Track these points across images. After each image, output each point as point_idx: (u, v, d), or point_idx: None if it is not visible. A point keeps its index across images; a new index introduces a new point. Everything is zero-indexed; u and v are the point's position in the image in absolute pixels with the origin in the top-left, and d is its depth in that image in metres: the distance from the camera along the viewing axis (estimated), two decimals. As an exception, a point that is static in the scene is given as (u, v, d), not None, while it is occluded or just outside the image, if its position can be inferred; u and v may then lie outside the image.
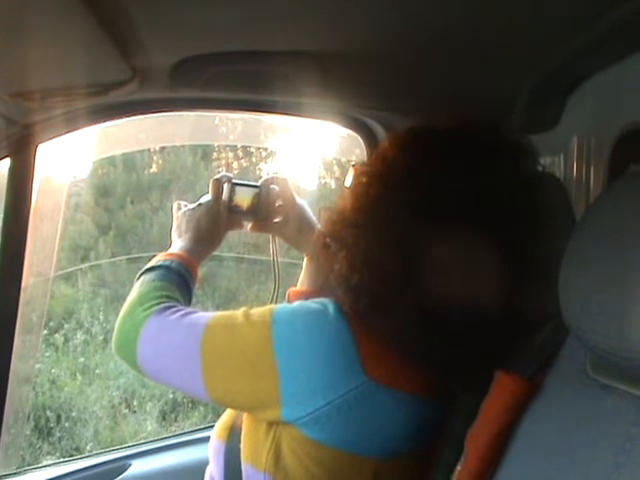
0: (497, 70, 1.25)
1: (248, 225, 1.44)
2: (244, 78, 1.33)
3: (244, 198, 1.40)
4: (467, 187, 0.96)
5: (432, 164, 0.99)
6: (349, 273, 0.98)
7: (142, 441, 2.01)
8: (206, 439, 1.24)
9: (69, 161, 1.82)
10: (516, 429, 0.89)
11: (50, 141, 1.48)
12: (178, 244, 1.29)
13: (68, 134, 1.49)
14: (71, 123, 1.46)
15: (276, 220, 1.42)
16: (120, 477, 1.74)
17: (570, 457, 0.77)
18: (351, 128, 1.72)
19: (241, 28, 1.11)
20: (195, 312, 1.09)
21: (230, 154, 7.37)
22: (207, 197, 1.37)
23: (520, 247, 0.99)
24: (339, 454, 0.99)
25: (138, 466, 1.79)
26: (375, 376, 0.97)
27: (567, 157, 1.38)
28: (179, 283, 1.19)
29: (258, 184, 1.42)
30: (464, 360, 0.98)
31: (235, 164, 7.46)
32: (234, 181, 1.40)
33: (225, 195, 1.37)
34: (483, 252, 0.95)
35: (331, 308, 1.00)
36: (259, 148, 7.15)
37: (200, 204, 1.35)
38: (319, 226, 1.39)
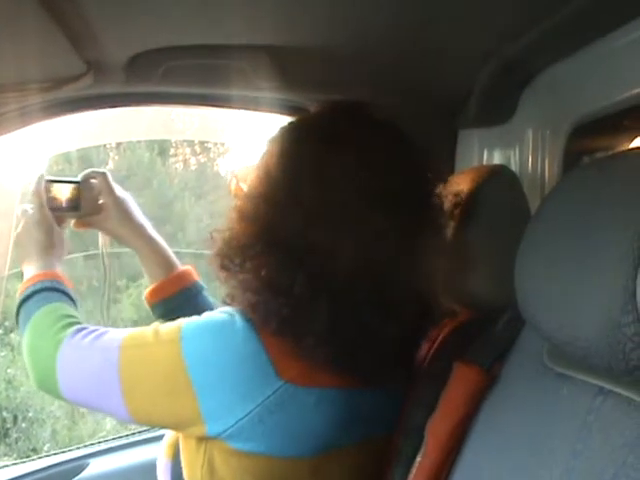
0: (450, 63, 1.26)
1: (72, 222, 1.40)
2: (200, 72, 1.32)
3: (60, 195, 1.35)
4: (353, 185, 0.95)
5: (311, 170, 0.98)
6: (254, 297, 0.97)
7: (100, 440, 1.98)
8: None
9: (23, 158, 1.78)
10: (475, 418, 0.91)
11: (3, 137, 1.45)
12: (30, 266, 1.23)
13: (22, 130, 1.46)
14: (25, 118, 1.42)
15: (98, 215, 1.39)
16: (78, 477, 1.72)
17: (528, 445, 0.79)
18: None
19: (196, 22, 1.10)
20: (106, 332, 1.06)
21: (187, 150, 7.31)
22: (26, 206, 1.31)
23: (434, 237, 1.00)
24: (270, 461, 0.98)
25: (96, 465, 1.77)
26: (290, 378, 0.96)
27: (522, 150, 1.40)
28: (62, 299, 1.17)
29: (76, 179, 1.37)
30: (379, 356, 0.98)
31: (193, 160, 7.40)
32: (48, 178, 1.34)
33: (43, 195, 1.32)
34: (392, 246, 0.95)
35: (237, 317, 0.98)
36: (217, 144, 7.10)
37: (26, 221, 1.28)
38: (142, 220, 1.41)
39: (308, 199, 0.95)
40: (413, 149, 1.02)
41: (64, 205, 1.35)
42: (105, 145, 6.18)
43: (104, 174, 1.38)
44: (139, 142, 6.29)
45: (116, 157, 6.52)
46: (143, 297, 1.43)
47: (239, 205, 1.05)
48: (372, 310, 0.95)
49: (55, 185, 1.35)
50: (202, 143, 7.07)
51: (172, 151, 7.23)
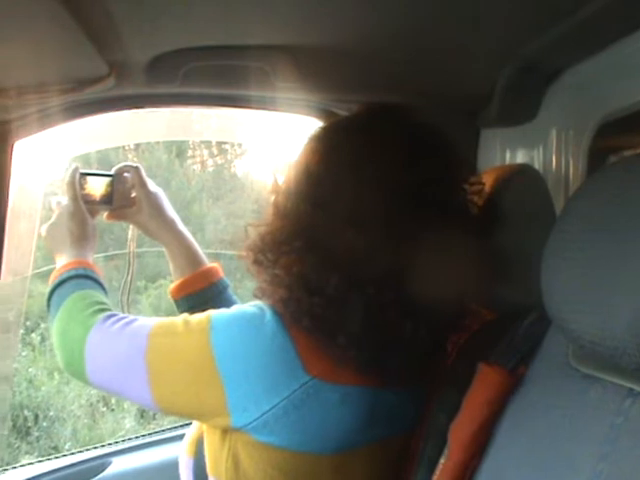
0: (473, 62, 1.25)
1: (104, 214, 1.42)
2: (220, 73, 1.32)
3: (94, 188, 1.38)
4: (392, 187, 0.95)
5: (352, 170, 0.98)
6: (286, 293, 0.97)
7: (122, 439, 1.99)
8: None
9: (44, 159, 1.79)
10: (499, 421, 0.90)
11: (26, 139, 1.46)
12: (63, 256, 1.26)
13: (44, 131, 1.47)
14: (47, 120, 1.43)
15: (130, 208, 1.42)
16: (101, 475, 1.73)
17: (554, 448, 0.78)
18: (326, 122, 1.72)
19: (217, 23, 1.10)
20: (136, 320, 1.07)
21: (205, 151, 7.34)
22: (60, 198, 1.34)
23: (465, 241, 0.99)
24: (293, 455, 0.98)
25: (119, 464, 1.78)
26: (317, 374, 0.96)
27: (546, 150, 1.38)
28: (94, 286, 1.19)
29: (110, 173, 1.40)
30: (406, 357, 0.98)
31: (210, 161, 7.44)
32: (82, 171, 1.37)
33: (77, 187, 1.35)
34: (426, 250, 0.94)
35: (267, 311, 0.99)
36: (234, 145, 7.13)
37: (61, 212, 1.32)
38: (173, 215, 1.43)
39: (347, 199, 0.96)
40: (450, 151, 1.02)
41: (97, 198, 1.38)
42: (124, 146, 6.22)
43: (137, 168, 1.41)
44: (157, 143, 6.33)
45: (135, 158, 6.56)
46: (162, 298, 1.44)
47: (276, 201, 1.05)
48: (403, 312, 0.94)
49: (89, 178, 1.38)
50: (219, 145, 7.10)
51: (190, 152, 7.26)
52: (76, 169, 1.36)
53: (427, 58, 1.24)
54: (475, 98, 1.40)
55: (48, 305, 1.19)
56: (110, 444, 1.94)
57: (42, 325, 5.55)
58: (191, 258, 1.43)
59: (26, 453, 4.92)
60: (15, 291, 1.83)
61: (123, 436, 4.76)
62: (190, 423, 1.47)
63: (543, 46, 1.15)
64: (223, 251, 5.91)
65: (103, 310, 1.12)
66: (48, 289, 1.20)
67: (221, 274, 1.45)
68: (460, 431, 0.93)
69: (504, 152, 1.45)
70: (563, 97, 1.32)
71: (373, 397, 1.00)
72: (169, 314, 1.42)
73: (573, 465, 0.74)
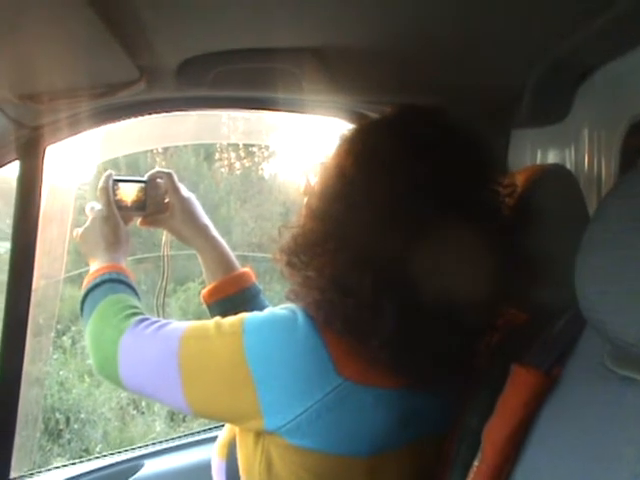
0: (504, 62, 1.24)
1: (138, 220, 1.44)
2: (250, 76, 1.33)
3: (127, 194, 1.39)
4: (428, 190, 0.95)
5: (388, 172, 0.97)
6: (319, 295, 0.97)
7: (154, 441, 2.01)
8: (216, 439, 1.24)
9: (74, 164, 1.81)
10: (534, 423, 0.89)
11: (58, 143, 1.48)
12: (97, 260, 1.28)
13: (75, 136, 1.49)
14: (78, 124, 1.45)
15: (164, 214, 1.43)
16: (134, 477, 1.75)
17: (591, 451, 0.77)
18: (355, 123, 1.72)
19: (247, 26, 1.11)
20: (168, 323, 1.08)
21: (232, 154, 7.38)
22: (94, 204, 1.36)
23: (498, 241, 0.98)
24: (327, 458, 0.98)
25: (151, 466, 1.80)
26: (350, 376, 0.95)
27: (577, 149, 1.37)
28: (127, 291, 1.20)
29: (143, 179, 1.41)
30: (439, 360, 0.97)
31: (237, 164, 7.47)
32: (116, 177, 1.38)
33: (111, 193, 1.36)
34: (461, 251, 0.93)
35: (299, 314, 0.99)
36: (261, 148, 7.16)
37: (94, 217, 1.33)
38: (206, 220, 1.44)
39: (381, 200, 0.95)
40: (482, 153, 1.02)
41: (130, 204, 1.40)
42: (152, 150, 6.27)
43: (170, 174, 1.42)
44: (186, 147, 6.38)
45: (163, 162, 6.61)
46: (190, 301, 1.45)
47: (309, 203, 1.05)
48: (436, 313, 0.94)
49: (122, 184, 1.39)
50: (247, 147, 7.13)
51: (218, 155, 7.30)
52: (109, 175, 1.37)
53: (457, 58, 1.23)
54: (505, 98, 1.39)
55: (81, 309, 1.21)
56: (142, 447, 1.95)
57: (73, 328, 5.61)
58: (224, 263, 1.44)
59: (58, 455, 4.97)
60: (47, 295, 1.85)
61: (154, 439, 4.79)
62: (221, 426, 1.48)
63: (574, 45, 1.14)
64: (251, 253, 5.95)
65: (136, 314, 1.13)
66: (81, 293, 1.22)
67: (253, 279, 1.45)
68: (494, 433, 0.92)
69: (535, 152, 1.44)
70: (595, 96, 1.31)
71: (406, 399, 0.99)
72: (197, 316, 1.43)
73: (612, 468, 0.73)
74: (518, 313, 1.09)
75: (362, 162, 0.99)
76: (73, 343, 5.61)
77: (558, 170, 1.15)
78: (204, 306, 1.46)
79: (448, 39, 1.15)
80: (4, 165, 1.41)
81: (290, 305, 1.02)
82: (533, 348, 0.96)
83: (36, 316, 1.72)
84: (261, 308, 1.05)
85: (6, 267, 1.49)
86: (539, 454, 0.86)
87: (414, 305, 0.93)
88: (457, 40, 1.15)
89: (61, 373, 5.43)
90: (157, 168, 1.44)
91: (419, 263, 0.92)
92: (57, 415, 5.12)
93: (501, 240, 0.98)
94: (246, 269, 1.46)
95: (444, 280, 0.92)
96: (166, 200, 1.43)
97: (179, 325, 1.07)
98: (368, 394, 0.96)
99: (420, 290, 0.93)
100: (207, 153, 6.95)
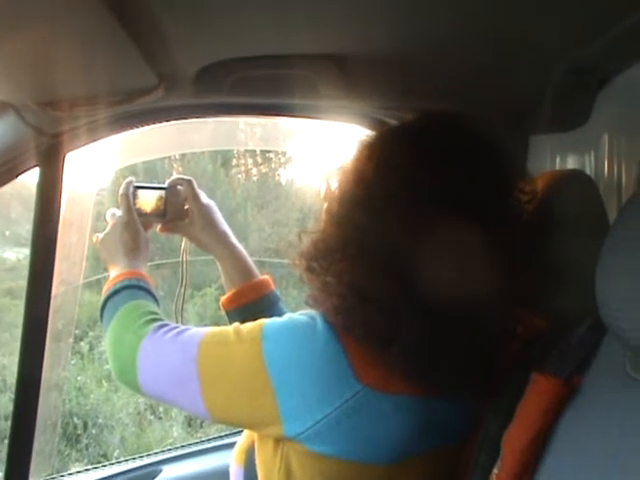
0: (523, 67, 1.24)
1: (157, 227, 1.44)
2: (268, 82, 1.33)
3: (147, 201, 1.40)
4: (450, 197, 0.94)
5: (410, 178, 0.96)
6: (338, 301, 0.97)
7: (172, 447, 2.01)
8: (234, 445, 1.24)
9: (93, 170, 1.83)
10: (554, 431, 0.88)
11: (77, 150, 1.49)
12: (117, 266, 1.28)
13: (94, 142, 1.50)
14: (98, 131, 1.46)
15: (183, 221, 1.43)
16: (152, 482, 1.76)
17: (612, 460, 0.76)
18: (373, 130, 1.72)
19: (264, 33, 1.11)
20: (188, 329, 1.08)
21: (249, 160, 7.40)
22: (115, 210, 1.37)
23: (518, 248, 0.97)
24: (346, 465, 0.98)
25: (169, 472, 1.80)
26: (369, 383, 0.95)
27: (597, 155, 1.36)
28: (147, 297, 1.21)
29: (163, 186, 1.42)
30: (459, 367, 0.97)
31: (254, 170, 7.49)
32: (136, 184, 1.39)
33: (131, 200, 1.37)
34: (481, 257, 0.92)
35: (318, 320, 0.98)
36: (278, 154, 7.17)
37: (114, 224, 1.34)
38: (225, 227, 1.44)
39: (403, 207, 0.95)
40: (502, 159, 1.01)
41: (150, 211, 1.40)
42: (170, 156, 6.30)
43: (190, 181, 1.43)
44: (203, 153, 6.40)
45: (180, 168, 6.63)
46: (207, 306, 1.46)
47: (329, 208, 1.05)
48: (456, 320, 0.93)
49: (142, 191, 1.40)
50: (263, 153, 7.14)
51: (234, 162, 7.32)
52: (130, 182, 1.38)
53: (476, 65, 1.23)
54: (524, 104, 1.39)
55: (101, 315, 1.21)
56: (159, 452, 1.96)
57: (90, 333, 5.64)
58: (243, 270, 1.44)
59: (76, 460, 4.99)
60: (66, 300, 1.87)
61: (171, 444, 4.80)
62: (239, 431, 1.48)
63: (594, 50, 1.13)
64: (268, 259, 5.96)
65: (155, 320, 1.13)
66: (101, 299, 1.22)
67: (272, 286, 1.46)
68: (514, 441, 0.91)
69: (554, 158, 1.43)
70: (615, 102, 1.30)
71: (426, 406, 0.99)
72: (215, 322, 1.44)
73: (633, 478, 0.72)
74: (538, 320, 1.08)
75: (383, 168, 0.99)
76: (91, 348, 5.64)
77: (578, 176, 1.14)
78: (221, 311, 1.47)
79: (467, 46, 1.14)
80: (24, 172, 1.42)
81: (309, 311, 1.02)
82: (553, 356, 0.95)
83: (55, 322, 1.73)
84: (280, 315, 1.05)
85: (26, 273, 1.51)
86: (559, 463, 0.86)
87: (434, 311, 0.93)
88: (475, 46, 1.15)
89: (79, 378, 5.45)
90: (177, 175, 1.45)
91: (439, 269, 0.92)
92: (75, 420, 5.15)
93: (521, 246, 0.98)
94: (265, 276, 1.46)
95: (464, 286, 0.92)
96: (186, 207, 1.43)
97: (198, 331, 1.07)
98: (388, 401, 0.96)
99: (440, 296, 0.92)
100: (224, 159, 6.97)
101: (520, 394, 0.94)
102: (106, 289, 1.23)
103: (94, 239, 1.37)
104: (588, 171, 1.37)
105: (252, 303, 1.41)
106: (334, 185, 1.08)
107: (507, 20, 1.04)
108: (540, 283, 1.01)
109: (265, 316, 1.05)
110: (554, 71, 1.24)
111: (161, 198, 1.41)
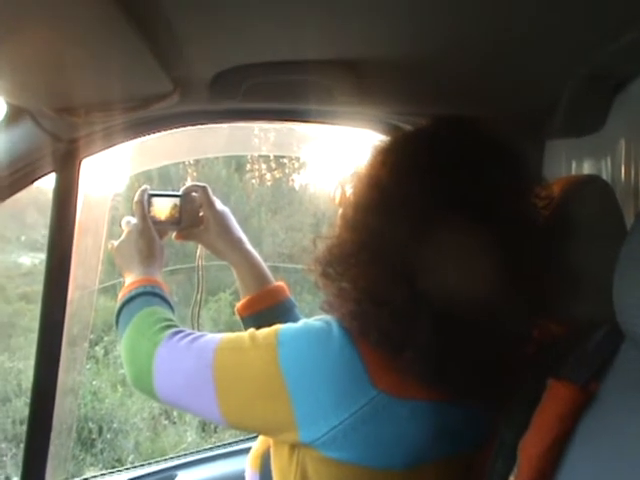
0: (538, 72, 1.23)
1: (173, 234, 1.45)
2: (282, 88, 1.33)
3: (161, 209, 1.41)
4: (460, 199, 0.94)
5: (425, 184, 0.96)
6: (353, 306, 0.97)
7: (186, 452, 2.02)
8: (249, 450, 1.24)
9: (108, 175, 1.83)
10: (571, 438, 0.88)
11: (92, 156, 1.50)
12: (132, 273, 1.29)
13: (110, 148, 1.51)
14: (113, 137, 1.47)
15: (198, 228, 1.44)
16: (167, 487, 1.76)
17: (632, 468, 0.75)
18: (387, 135, 1.71)
19: (279, 39, 1.11)
20: (203, 335, 1.08)
21: (263, 165, 7.41)
22: (130, 218, 1.38)
23: (534, 253, 0.97)
24: (362, 471, 0.97)
25: (184, 477, 1.80)
26: (385, 388, 0.94)
27: (614, 160, 1.35)
28: (162, 304, 1.21)
29: (178, 193, 1.42)
30: (475, 373, 0.96)
31: (268, 175, 7.51)
32: (150, 192, 1.40)
33: (145, 207, 1.38)
34: (496, 263, 0.91)
35: (334, 325, 0.98)
36: (292, 159, 7.18)
37: (130, 231, 1.35)
38: (240, 233, 1.45)
39: (416, 211, 0.95)
40: (517, 164, 1.01)
41: (165, 218, 1.41)
42: (184, 162, 6.33)
43: (205, 188, 1.43)
44: (217, 158, 6.42)
45: (194, 173, 6.66)
46: (221, 311, 1.46)
47: (344, 213, 1.05)
48: (471, 325, 0.93)
49: (157, 199, 1.41)
50: (277, 159, 7.16)
51: (248, 167, 7.34)
52: (145, 190, 1.39)
53: (491, 69, 1.23)
54: (540, 108, 1.38)
55: (117, 322, 1.22)
56: (174, 457, 1.96)
57: (105, 338, 5.67)
58: (258, 276, 1.44)
59: (90, 465, 5.01)
60: (82, 305, 1.87)
61: (185, 449, 4.81)
62: (253, 437, 1.48)
63: (610, 55, 1.12)
64: (282, 264, 5.96)
65: (170, 326, 1.13)
66: (117, 306, 1.23)
67: (288, 293, 1.46)
68: (530, 448, 0.91)
69: (570, 163, 1.43)
70: (631, 106, 1.29)
71: (442, 412, 0.98)
72: (229, 327, 1.44)
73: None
74: (554, 325, 1.07)
75: (397, 173, 0.99)
76: (106, 353, 5.66)
77: (594, 181, 1.14)
78: (235, 316, 1.47)
79: (482, 51, 1.14)
80: (41, 177, 1.43)
81: (324, 316, 1.02)
82: (570, 362, 0.94)
83: (71, 326, 1.74)
84: (295, 321, 1.05)
85: (41, 278, 1.51)
86: (576, 470, 0.85)
87: (449, 316, 0.92)
88: (491, 51, 1.14)
89: (94, 383, 5.48)
90: (192, 182, 1.45)
91: (454, 274, 0.91)
92: (90, 425, 5.17)
93: (537, 252, 0.97)
94: (280, 283, 1.46)
95: (480, 291, 0.91)
96: (200, 214, 1.43)
97: (213, 337, 1.07)
98: (403, 406, 0.95)
99: (455, 301, 0.92)
100: (238, 164, 6.99)
101: (536, 400, 0.93)
102: (121, 296, 1.24)
103: (109, 246, 1.38)
104: (605, 176, 1.36)
105: (267, 310, 1.41)
106: (349, 190, 1.08)
107: (523, 24, 1.03)
108: (557, 288, 1.00)
109: (280, 322, 1.05)
110: (570, 76, 1.24)
111: (176, 205, 1.41)
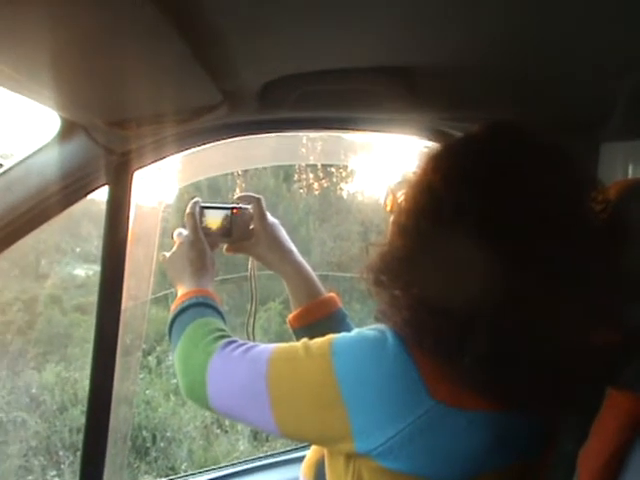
0: (594, 74, 1.20)
1: (224, 247, 1.45)
2: (330, 97, 1.33)
3: (213, 221, 1.41)
4: (514, 204, 0.92)
5: (478, 190, 0.94)
6: (408, 314, 0.95)
7: (239, 460, 2.03)
8: (301, 459, 1.23)
9: (159, 186, 1.86)
10: (632, 449, 0.85)
11: (144, 168, 1.52)
12: (184, 285, 1.30)
13: (161, 160, 1.53)
14: (164, 149, 1.49)
15: (249, 241, 1.44)
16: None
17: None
18: (435, 141, 1.70)
19: (328, 47, 1.11)
20: (256, 345, 1.08)
21: (311, 175, 7.45)
22: (181, 230, 1.38)
23: (592, 259, 0.94)
24: None
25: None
26: (442, 398, 0.93)
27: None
28: (214, 314, 1.22)
29: (229, 205, 1.42)
30: (532, 383, 0.93)
31: (316, 184, 7.53)
32: (202, 204, 1.40)
33: (197, 219, 1.38)
34: (551, 269, 0.90)
35: (388, 334, 0.97)
36: (339, 168, 7.20)
37: (181, 243, 1.36)
38: (291, 245, 1.44)
39: (470, 217, 0.93)
40: (572, 168, 0.99)
41: (216, 230, 1.42)
42: (233, 173, 6.39)
43: (259, 200, 1.44)
44: (265, 168, 6.48)
45: (243, 184, 6.72)
46: (271, 320, 1.46)
47: (397, 220, 1.03)
48: (528, 333, 0.91)
49: (209, 211, 1.42)
50: (325, 168, 7.19)
51: (296, 176, 7.39)
52: (196, 202, 1.40)
53: (545, 72, 1.20)
54: (595, 111, 1.35)
55: (170, 333, 1.23)
56: (228, 466, 1.97)
57: (158, 348, 5.74)
58: (309, 288, 1.44)
59: (145, 473, 5.07)
60: (135, 315, 1.90)
61: (237, 458, 4.83)
62: (305, 446, 1.48)
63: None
64: (330, 273, 5.97)
65: (223, 337, 1.14)
66: (169, 317, 1.24)
67: (339, 304, 1.45)
68: (590, 460, 0.89)
69: (626, 166, 1.40)
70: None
71: (499, 422, 0.96)
72: (279, 336, 1.44)
73: None
74: (614, 334, 1.05)
75: (450, 179, 0.97)
76: (158, 363, 5.74)
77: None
78: (286, 325, 1.47)
79: (536, 53, 1.12)
80: (94, 190, 1.45)
81: (378, 325, 1.00)
82: (629, 370, 0.92)
83: (124, 336, 1.76)
84: (348, 332, 1.04)
85: (95, 289, 1.54)
86: (640, 482, 0.83)
87: (505, 323, 0.90)
88: (542, 55, 1.13)
89: (147, 392, 5.55)
90: (245, 192, 1.46)
91: (509, 279, 0.90)
92: (144, 433, 5.24)
93: (594, 257, 0.95)
94: (332, 294, 1.46)
95: (537, 297, 0.89)
96: (251, 227, 1.44)
97: (267, 347, 1.07)
98: (460, 416, 0.94)
99: (512, 307, 0.90)
100: (286, 174, 7.04)
101: (595, 410, 0.91)
102: (174, 307, 1.25)
103: (161, 258, 1.39)
104: (661, 181, 1.32)
105: (320, 321, 1.41)
106: (400, 197, 1.07)
107: (576, 28, 1.02)
108: (615, 294, 0.97)
109: (333, 333, 1.05)
110: (628, 77, 1.21)
111: (227, 217, 1.42)
